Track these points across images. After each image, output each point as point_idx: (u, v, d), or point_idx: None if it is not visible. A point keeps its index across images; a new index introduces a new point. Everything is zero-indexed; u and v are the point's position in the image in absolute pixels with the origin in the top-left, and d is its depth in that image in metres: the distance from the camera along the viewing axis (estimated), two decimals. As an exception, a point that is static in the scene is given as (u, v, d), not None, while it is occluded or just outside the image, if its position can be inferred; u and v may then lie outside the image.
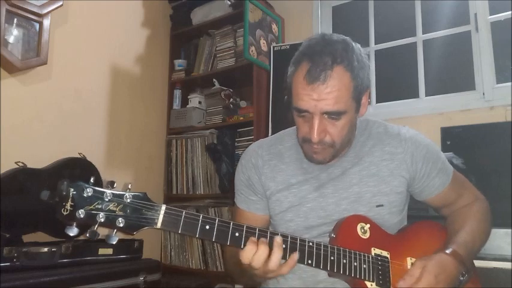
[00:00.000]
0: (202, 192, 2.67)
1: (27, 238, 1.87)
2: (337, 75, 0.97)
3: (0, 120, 1.96)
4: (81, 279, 1.69)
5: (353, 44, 1.04)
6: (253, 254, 0.86)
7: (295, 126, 1.12)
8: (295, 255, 0.90)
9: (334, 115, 0.99)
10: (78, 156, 2.14)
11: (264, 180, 1.16)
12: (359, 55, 1.02)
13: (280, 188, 1.14)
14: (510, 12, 2.20)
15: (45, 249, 1.70)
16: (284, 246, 0.90)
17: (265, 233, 0.90)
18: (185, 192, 2.73)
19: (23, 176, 1.86)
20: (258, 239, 0.89)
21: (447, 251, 1.02)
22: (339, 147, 1.05)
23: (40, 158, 2.02)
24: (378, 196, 1.09)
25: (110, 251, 1.93)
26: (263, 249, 0.87)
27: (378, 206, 1.08)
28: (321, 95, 0.96)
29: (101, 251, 1.89)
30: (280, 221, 1.14)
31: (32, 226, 1.89)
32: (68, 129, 2.29)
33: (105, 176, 2.25)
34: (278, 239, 0.89)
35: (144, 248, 2.12)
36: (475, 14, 2.28)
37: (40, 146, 2.12)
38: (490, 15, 2.25)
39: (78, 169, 2.10)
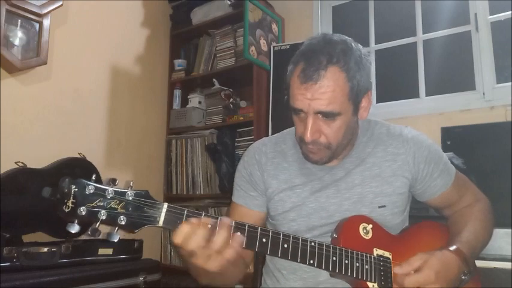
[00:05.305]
0: (202, 193, 2.67)
1: (27, 238, 1.87)
2: (331, 76, 0.95)
3: (0, 120, 1.96)
4: (81, 279, 1.70)
5: (354, 45, 1.02)
6: (187, 232, 0.78)
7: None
8: (239, 236, 0.83)
9: (328, 115, 0.98)
10: (78, 156, 2.13)
11: (266, 178, 1.15)
12: (358, 57, 1.00)
13: (284, 187, 1.13)
14: (510, 12, 2.20)
15: (45, 249, 1.69)
16: (241, 230, 0.84)
17: (268, 232, 0.88)
18: (185, 192, 2.73)
19: (23, 176, 1.85)
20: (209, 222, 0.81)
21: (451, 249, 1.02)
22: (335, 149, 1.04)
23: (40, 158, 2.02)
24: (380, 197, 1.09)
25: (109, 251, 1.93)
26: (201, 229, 0.79)
27: (380, 207, 1.08)
28: (314, 94, 0.96)
29: (101, 251, 1.89)
30: (282, 221, 1.13)
31: (32, 226, 1.88)
32: (68, 129, 2.28)
33: (105, 176, 2.24)
34: (225, 219, 0.82)
35: (144, 248, 2.12)
36: (475, 14, 2.28)
37: (40, 146, 2.12)
38: (490, 15, 2.25)
39: (78, 169, 2.10)
